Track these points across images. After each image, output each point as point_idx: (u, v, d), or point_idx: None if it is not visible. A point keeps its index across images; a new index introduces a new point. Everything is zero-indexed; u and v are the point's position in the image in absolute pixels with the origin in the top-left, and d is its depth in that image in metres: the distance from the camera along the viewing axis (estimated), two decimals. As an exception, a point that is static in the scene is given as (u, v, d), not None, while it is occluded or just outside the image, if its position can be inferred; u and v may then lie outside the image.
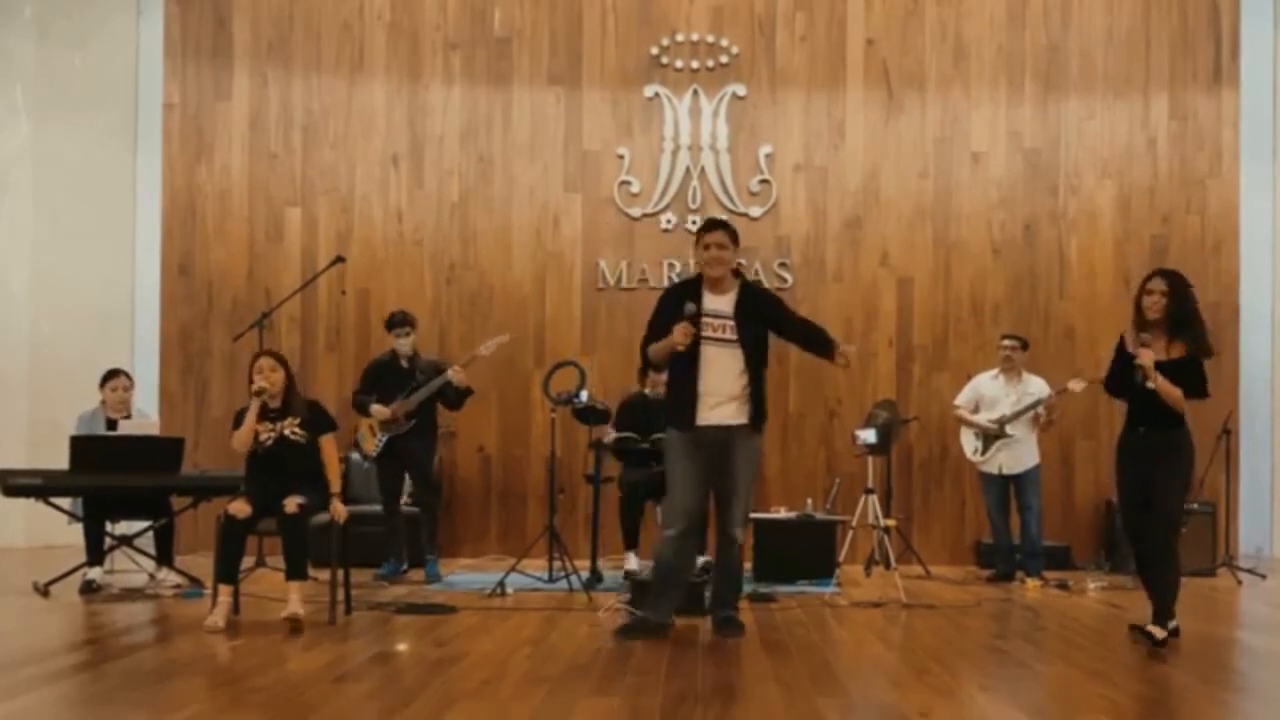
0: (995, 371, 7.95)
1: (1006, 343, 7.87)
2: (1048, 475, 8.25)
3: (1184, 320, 5.13)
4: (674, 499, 5.35)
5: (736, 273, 5.49)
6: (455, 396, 7.39)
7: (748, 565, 7.54)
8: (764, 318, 5.40)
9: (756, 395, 5.32)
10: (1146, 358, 5.03)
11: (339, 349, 9.12)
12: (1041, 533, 7.83)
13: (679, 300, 5.35)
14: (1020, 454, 7.74)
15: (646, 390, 7.37)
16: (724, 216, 9.03)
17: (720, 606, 5.46)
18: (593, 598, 6.39)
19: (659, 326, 5.36)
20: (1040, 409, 7.66)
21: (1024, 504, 7.72)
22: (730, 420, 5.29)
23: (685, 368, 5.29)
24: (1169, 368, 5.07)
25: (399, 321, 7.47)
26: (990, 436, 7.76)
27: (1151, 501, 5.13)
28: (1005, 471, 7.76)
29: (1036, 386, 7.77)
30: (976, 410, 7.90)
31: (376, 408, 7.28)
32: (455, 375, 7.26)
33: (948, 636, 5.45)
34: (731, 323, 5.30)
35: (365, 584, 6.78)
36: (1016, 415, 7.68)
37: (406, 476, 7.54)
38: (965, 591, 7.13)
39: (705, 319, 5.29)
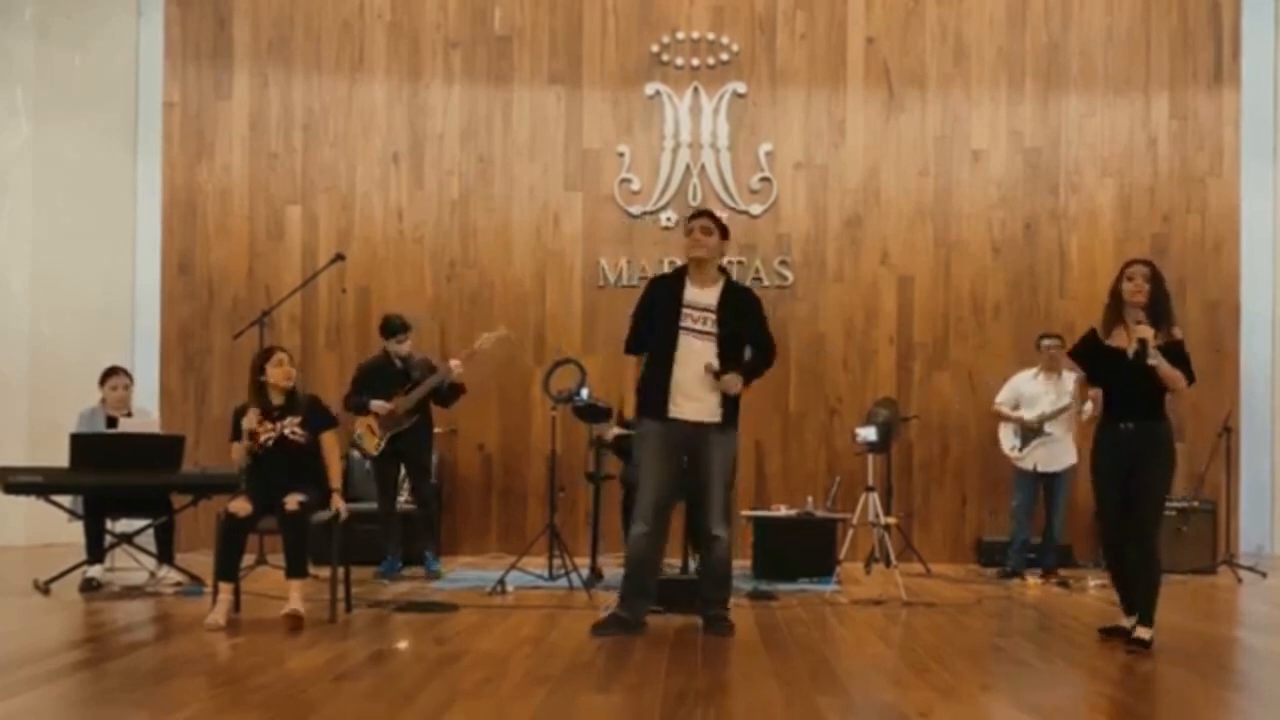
0: (1035, 371, 7.96)
1: (1047, 342, 7.84)
2: (1048, 475, 8.26)
3: (1165, 308, 5.12)
4: (645, 494, 5.31)
5: (722, 269, 5.49)
6: (449, 393, 7.39)
7: (747, 563, 7.58)
8: (742, 315, 5.36)
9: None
10: (1146, 332, 4.96)
11: (339, 347, 9.12)
12: (1062, 531, 7.89)
13: (664, 290, 5.38)
14: (1057, 452, 7.75)
15: None
16: (724, 214, 9.07)
17: (707, 605, 5.40)
18: (593, 596, 6.39)
19: (644, 314, 5.40)
20: (1083, 407, 7.67)
21: (1055, 502, 7.77)
22: (704, 417, 5.27)
23: (661, 358, 5.29)
24: (1158, 351, 5.02)
25: (399, 328, 7.42)
26: (1029, 433, 7.77)
27: (1132, 501, 5.06)
28: (1041, 469, 7.77)
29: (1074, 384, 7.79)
30: (1016, 409, 7.90)
31: (378, 403, 7.27)
32: (456, 368, 7.26)
33: (948, 635, 5.45)
34: (713, 316, 5.29)
35: (365, 582, 6.78)
36: (1056, 414, 7.67)
37: (403, 473, 7.53)
38: (966, 590, 7.13)
39: (686, 310, 5.29)
